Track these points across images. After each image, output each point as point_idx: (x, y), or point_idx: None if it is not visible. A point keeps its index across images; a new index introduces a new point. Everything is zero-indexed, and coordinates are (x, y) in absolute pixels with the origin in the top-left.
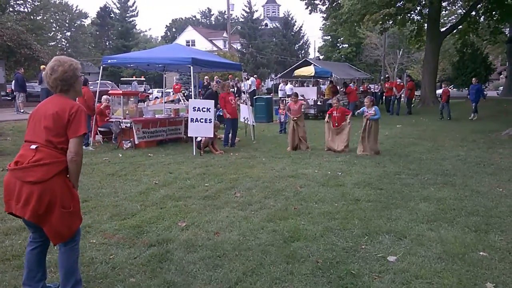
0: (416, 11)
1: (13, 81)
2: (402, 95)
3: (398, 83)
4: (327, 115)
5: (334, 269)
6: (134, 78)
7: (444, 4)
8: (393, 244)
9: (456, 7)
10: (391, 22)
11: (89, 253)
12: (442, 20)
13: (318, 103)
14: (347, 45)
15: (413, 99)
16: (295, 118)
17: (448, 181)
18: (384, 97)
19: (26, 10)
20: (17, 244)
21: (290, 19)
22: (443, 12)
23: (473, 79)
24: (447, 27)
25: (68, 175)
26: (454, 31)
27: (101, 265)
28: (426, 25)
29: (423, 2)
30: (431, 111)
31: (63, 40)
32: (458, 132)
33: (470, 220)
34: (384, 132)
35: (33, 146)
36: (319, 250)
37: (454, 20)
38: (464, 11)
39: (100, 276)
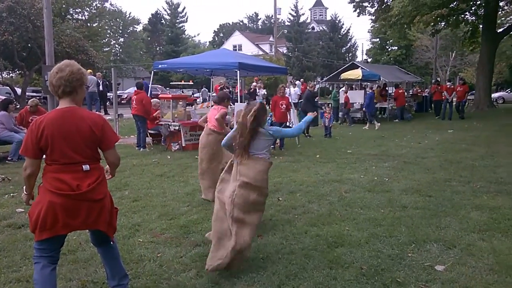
0: (470, 11)
1: None
2: (454, 99)
3: (448, 86)
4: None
5: (379, 276)
6: (182, 83)
7: (501, 3)
8: (442, 253)
9: None
10: (443, 24)
11: (138, 251)
12: (499, 21)
13: None
14: (396, 48)
15: (466, 104)
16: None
17: (503, 189)
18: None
19: (83, 17)
20: (72, 239)
21: (337, 21)
22: (500, 12)
23: (368, 86)
24: (505, 27)
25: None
26: None
27: (149, 262)
28: (481, 26)
29: (478, 2)
30: (486, 115)
31: (117, 46)
32: None
33: None
34: (434, 137)
35: (86, 167)
36: (363, 257)
37: None
38: None
39: (148, 273)
